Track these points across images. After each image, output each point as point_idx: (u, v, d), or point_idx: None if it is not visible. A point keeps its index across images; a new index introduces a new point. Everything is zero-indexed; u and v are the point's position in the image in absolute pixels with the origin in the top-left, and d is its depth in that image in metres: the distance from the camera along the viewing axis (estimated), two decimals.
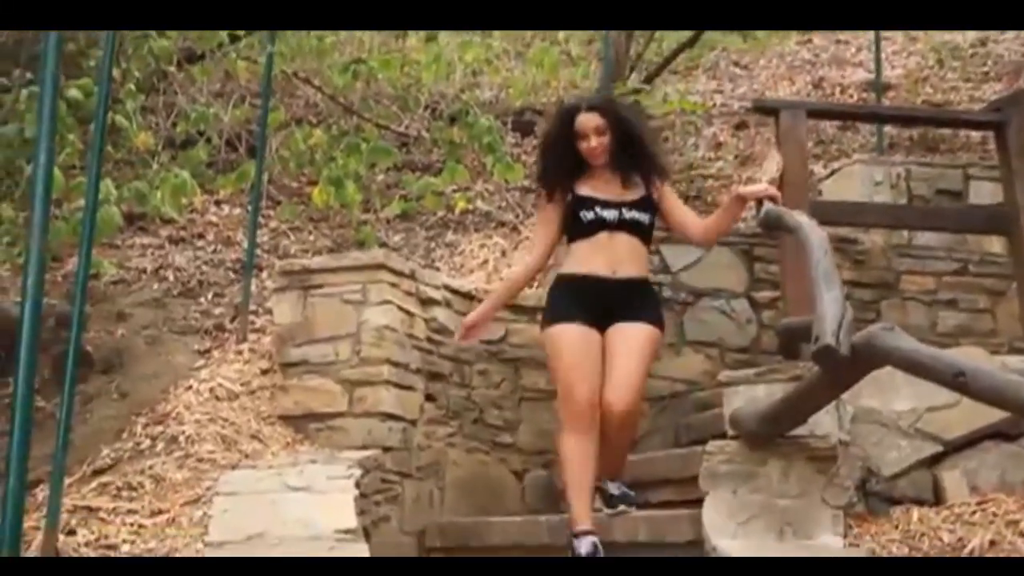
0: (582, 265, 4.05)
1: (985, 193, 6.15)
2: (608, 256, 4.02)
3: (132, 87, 6.68)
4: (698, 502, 4.44)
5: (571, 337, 3.95)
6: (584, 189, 4.11)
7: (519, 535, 4.84)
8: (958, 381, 3.02)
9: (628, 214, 4.05)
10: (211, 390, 4.97)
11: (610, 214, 4.03)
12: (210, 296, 5.87)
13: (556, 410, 3.87)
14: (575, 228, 4.10)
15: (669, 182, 4.27)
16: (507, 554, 4.77)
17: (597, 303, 4.00)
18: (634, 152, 4.10)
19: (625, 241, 4.05)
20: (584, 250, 4.07)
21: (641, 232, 4.09)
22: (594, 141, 4.05)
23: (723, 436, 4.48)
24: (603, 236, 4.04)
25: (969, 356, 3.92)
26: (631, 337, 3.99)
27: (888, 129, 7.69)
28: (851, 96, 8.75)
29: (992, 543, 3.95)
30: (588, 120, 4.06)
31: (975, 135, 7.53)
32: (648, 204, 4.12)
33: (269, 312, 5.39)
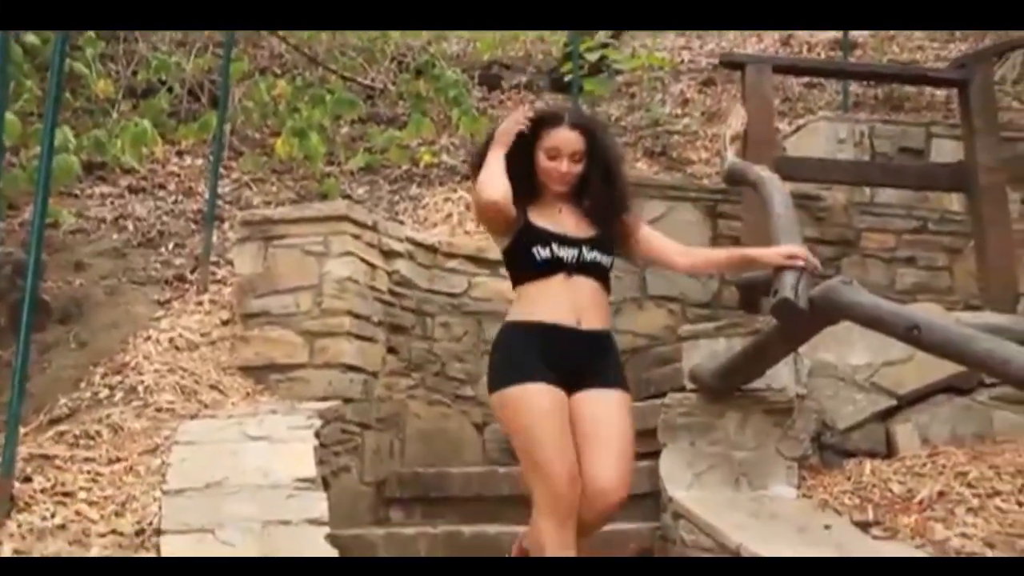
0: (540, 312, 3.16)
1: (947, 151, 6.18)
2: (570, 303, 3.18)
3: (92, 34, 6.59)
4: (657, 454, 4.49)
5: (539, 402, 3.07)
6: (537, 217, 3.24)
7: (479, 486, 4.87)
8: (912, 335, 3.06)
9: (589, 254, 3.23)
10: (171, 340, 4.94)
11: (567, 253, 3.20)
12: (171, 246, 5.82)
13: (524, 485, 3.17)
14: (523, 265, 3.23)
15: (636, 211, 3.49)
16: (467, 505, 4.82)
17: (563, 360, 3.13)
18: (605, 187, 3.29)
19: (587, 286, 3.22)
20: (538, 294, 3.19)
21: (603, 276, 3.29)
22: (566, 166, 3.24)
23: (682, 389, 4.53)
24: (559, 279, 3.19)
25: (925, 312, 3.97)
26: (615, 411, 3.18)
27: (854, 88, 7.71)
28: (819, 53, 8.75)
29: (941, 494, 4.03)
30: (568, 140, 3.25)
31: (939, 94, 7.56)
32: (608, 244, 3.30)
33: (230, 263, 5.36)
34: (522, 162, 3.24)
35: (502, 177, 3.13)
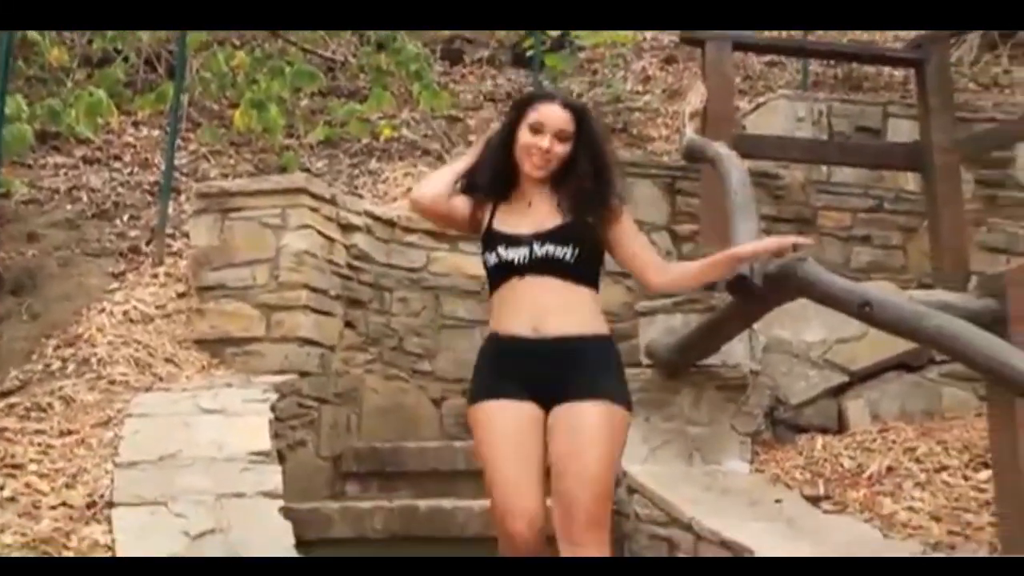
0: (501, 322, 2.86)
1: (903, 131, 6.24)
2: (527, 309, 2.81)
3: None
4: None
5: (497, 422, 2.75)
6: (500, 218, 2.92)
7: (435, 461, 4.89)
8: (864, 311, 3.10)
9: (540, 250, 2.83)
10: (125, 313, 4.89)
11: (516, 254, 2.84)
12: (126, 218, 5.75)
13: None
14: (487, 273, 2.93)
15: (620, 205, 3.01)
16: (423, 480, 4.83)
17: (524, 373, 2.78)
18: (592, 177, 2.91)
19: (547, 286, 2.81)
20: (500, 303, 2.89)
21: (567, 271, 2.84)
22: (548, 142, 2.85)
23: (638, 365, 4.56)
24: (511, 284, 2.85)
25: (879, 289, 4.02)
26: (588, 427, 2.70)
27: (814, 67, 7.75)
28: (780, 33, 8.78)
29: (890, 469, 4.10)
30: (557, 116, 2.87)
31: (898, 75, 7.62)
32: (573, 233, 2.87)
33: (186, 235, 5.31)
34: (501, 152, 2.91)
35: (440, 179, 2.96)
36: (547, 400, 2.76)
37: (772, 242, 3.08)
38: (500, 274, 2.87)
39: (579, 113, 2.92)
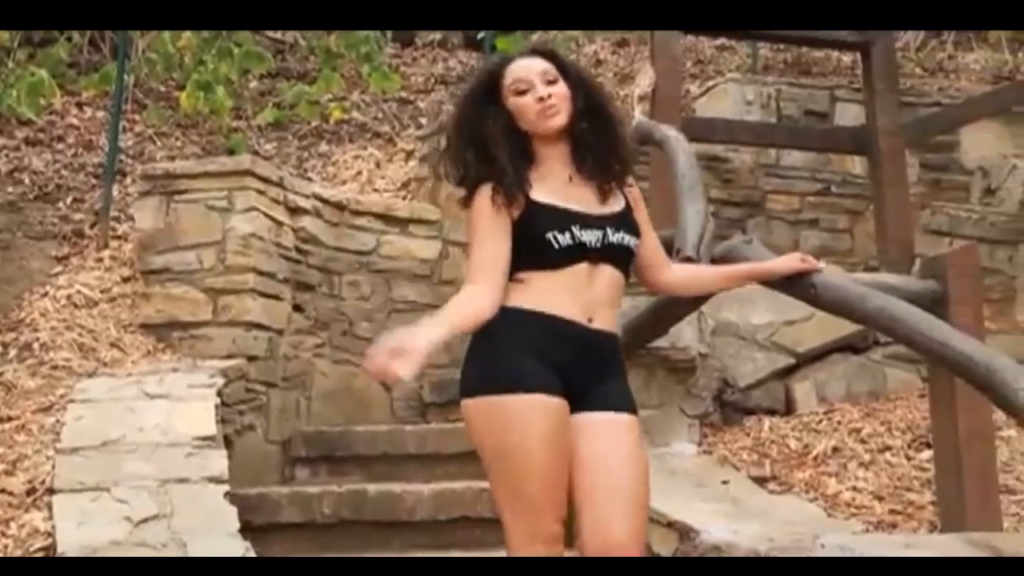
0: (546, 303, 2.45)
1: (850, 115, 6.30)
2: (585, 297, 2.47)
3: None
4: None
5: (538, 423, 2.36)
6: (543, 192, 2.49)
7: (385, 444, 4.87)
8: (809, 293, 3.12)
9: (615, 235, 2.51)
10: (68, 297, 4.82)
11: (591, 236, 2.47)
12: (69, 201, 5.65)
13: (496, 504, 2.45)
14: (535, 254, 2.46)
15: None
16: (373, 464, 4.81)
17: (569, 365, 2.44)
18: (601, 130, 2.53)
19: (608, 277, 2.50)
20: (551, 285, 2.46)
21: (626, 263, 2.57)
22: (543, 89, 2.47)
23: None
24: (580, 270, 2.47)
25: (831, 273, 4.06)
26: (629, 445, 2.43)
27: (764, 51, 7.80)
28: (736, 29, 8.82)
29: (835, 449, 4.16)
30: (530, 65, 2.51)
31: (846, 59, 7.68)
32: (633, 218, 2.59)
33: (132, 219, 5.23)
34: (505, 132, 2.50)
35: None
36: (576, 396, 2.43)
37: (793, 262, 2.88)
38: (567, 257, 2.46)
39: (546, 52, 2.58)
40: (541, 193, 2.48)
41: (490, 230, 2.47)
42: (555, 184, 2.51)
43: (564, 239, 2.45)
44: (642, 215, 2.63)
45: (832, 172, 6.31)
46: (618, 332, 2.57)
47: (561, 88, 2.49)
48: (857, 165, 6.15)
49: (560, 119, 2.48)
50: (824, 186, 6.29)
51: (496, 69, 2.55)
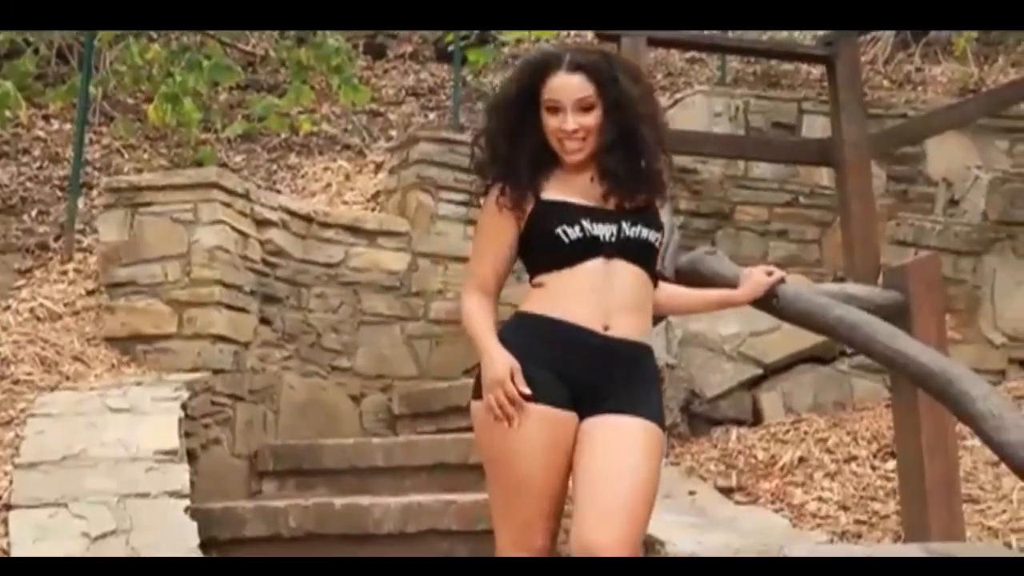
0: (559, 307, 2.39)
1: (817, 127, 6.33)
2: (600, 299, 2.38)
3: None
4: None
5: (535, 433, 2.32)
6: (556, 190, 2.45)
7: (353, 458, 4.84)
8: (773, 303, 3.13)
9: (631, 229, 2.43)
10: (31, 310, 4.78)
11: (604, 230, 2.40)
12: (34, 214, 5.61)
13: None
14: (545, 252, 2.43)
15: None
16: (341, 477, 4.78)
17: (578, 374, 2.37)
18: (631, 160, 2.43)
19: (628, 275, 2.41)
20: (563, 286, 2.40)
21: (649, 261, 2.49)
22: (571, 122, 2.40)
23: None
24: (595, 266, 2.39)
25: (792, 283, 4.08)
26: (634, 447, 2.33)
27: (734, 64, 7.83)
28: (703, 30, 8.87)
29: (801, 459, 4.16)
30: (569, 85, 2.40)
31: (815, 72, 7.73)
32: (656, 217, 2.52)
33: (96, 231, 5.19)
34: (528, 129, 2.44)
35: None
36: (585, 409, 2.36)
37: (758, 288, 2.84)
38: (579, 252, 2.38)
39: (593, 68, 2.41)
40: (553, 192, 2.44)
41: (491, 236, 2.48)
42: (573, 181, 2.45)
43: (573, 232, 2.37)
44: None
45: (800, 184, 6.34)
46: (645, 339, 2.45)
47: (591, 119, 2.40)
48: (825, 177, 6.18)
49: (581, 155, 2.42)
50: (792, 197, 6.32)
51: (539, 73, 2.44)
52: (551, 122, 2.41)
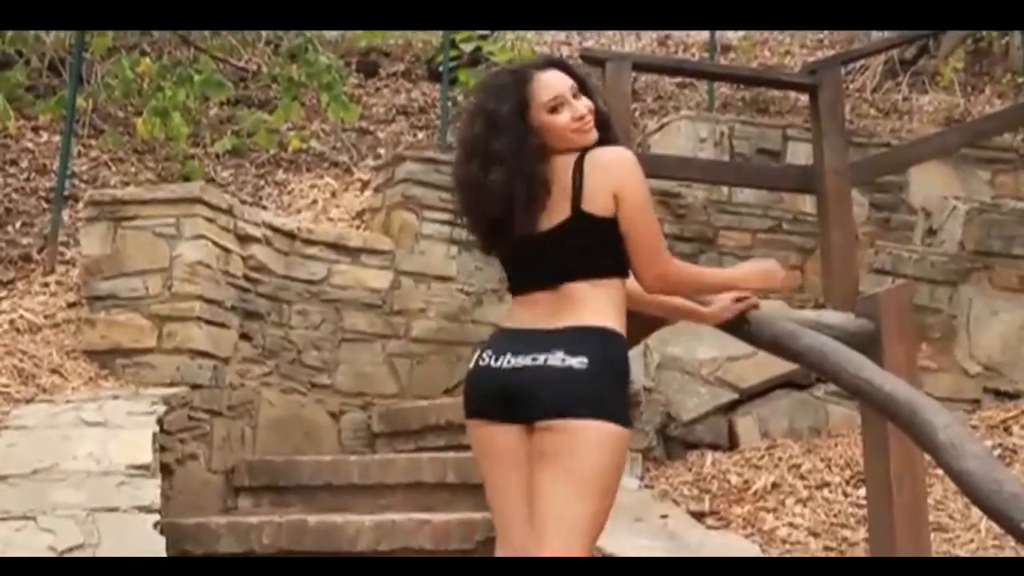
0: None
1: (802, 154, 6.37)
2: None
3: None
4: None
5: (477, 451, 2.55)
6: None
7: (330, 474, 4.83)
8: (744, 329, 3.15)
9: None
10: (11, 322, 4.78)
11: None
12: (18, 225, 5.62)
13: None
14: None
15: None
16: (316, 494, 4.78)
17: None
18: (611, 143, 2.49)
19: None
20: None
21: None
22: (580, 106, 2.43)
23: None
24: None
25: (768, 310, 4.09)
26: (551, 460, 2.34)
27: (723, 89, 7.89)
28: (693, 54, 8.92)
29: (774, 485, 4.17)
30: (558, 77, 2.45)
31: (803, 99, 7.78)
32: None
33: (80, 244, 5.20)
34: (535, 152, 2.40)
35: None
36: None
37: (727, 312, 2.87)
38: None
39: (562, 64, 2.52)
40: None
41: None
42: None
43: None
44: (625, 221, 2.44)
45: (783, 209, 6.38)
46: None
47: (587, 101, 2.44)
48: (808, 203, 6.21)
49: (593, 135, 2.43)
50: (776, 223, 6.36)
51: (525, 87, 2.43)
52: (559, 120, 2.40)
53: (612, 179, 2.41)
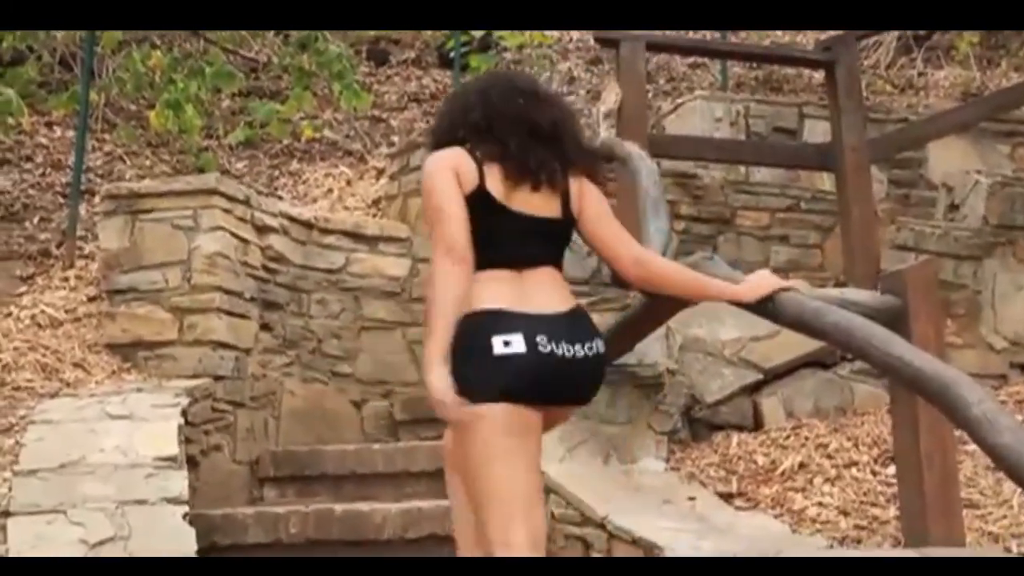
0: None
1: (818, 132, 6.32)
2: None
3: None
4: None
5: None
6: None
7: (354, 463, 4.84)
8: (768, 308, 3.13)
9: None
10: (33, 317, 4.79)
11: None
12: (36, 221, 5.63)
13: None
14: None
15: None
16: (341, 483, 4.78)
17: None
18: None
19: None
20: None
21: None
22: None
23: None
24: None
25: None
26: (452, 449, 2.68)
27: (736, 69, 7.83)
28: (704, 34, 8.86)
29: (801, 465, 4.15)
30: None
31: (817, 77, 7.73)
32: None
33: (98, 238, 5.20)
34: None
35: None
36: None
37: (758, 290, 2.95)
38: None
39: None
40: None
41: None
42: None
43: None
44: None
45: (801, 188, 6.33)
46: None
47: None
48: (826, 181, 6.16)
49: None
50: (794, 202, 6.31)
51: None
52: None
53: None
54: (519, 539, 2.43)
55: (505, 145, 2.58)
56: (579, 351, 2.52)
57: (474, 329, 2.44)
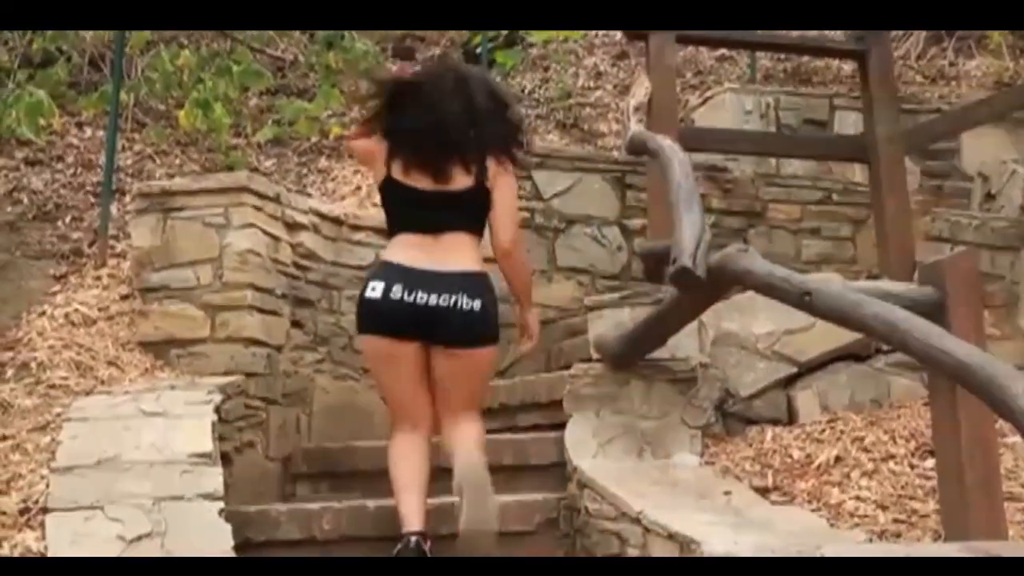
0: None
1: (849, 123, 6.28)
2: None
3: None
4: (564, 425, 4.50)
5: None
6: None
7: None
8: (804, 300, 3.10)
9: None
10: (67, 315, 4.81)
11: None
12: (68, 220, 5.65)
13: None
14: None
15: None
16: (374, 479, 4.76)
17: None
18: None
19: None
20: None
21: None
22: None
23: (588, 360, 4.54)
24: None
25: (824, 279, 4.02)
26: None
27: (764, 61, 7.79)
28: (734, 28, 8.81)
29: (838, 458, 4.11)
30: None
31: (846, 68, 7.67)
32: None
33: (130, 236, 5.22)
34: None
35: None
36: None
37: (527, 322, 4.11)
38: None
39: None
40: None
41: None
42: None
43: None
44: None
45: (833, 180, 6.28)
46: None
47: None
48: (858, 173, 6.12)
49: None
50: (825, 194, 6.26)
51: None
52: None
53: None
54: (404, 428, 3.80)
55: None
56: (433, 300, 3.46)
57: (367, 275, 3.68)
